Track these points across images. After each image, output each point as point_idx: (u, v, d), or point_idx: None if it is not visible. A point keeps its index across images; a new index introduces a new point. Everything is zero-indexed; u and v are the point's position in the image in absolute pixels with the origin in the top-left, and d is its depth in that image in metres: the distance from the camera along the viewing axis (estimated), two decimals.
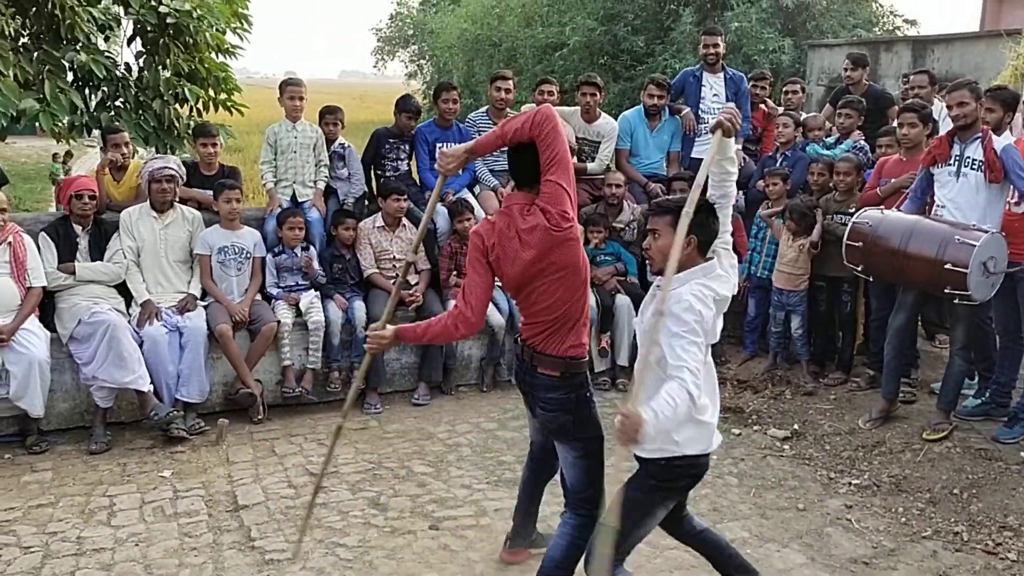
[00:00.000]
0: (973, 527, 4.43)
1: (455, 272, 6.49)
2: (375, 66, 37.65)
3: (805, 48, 16.43)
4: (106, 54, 7.99)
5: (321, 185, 6.56)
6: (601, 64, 18.16)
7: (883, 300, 5.96)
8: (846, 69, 7.52)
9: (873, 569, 4.10)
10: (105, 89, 8.02)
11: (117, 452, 5.33)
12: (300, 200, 6.50)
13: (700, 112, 7.35)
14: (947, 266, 4.86)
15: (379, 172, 6.88)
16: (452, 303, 6.42)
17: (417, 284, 6.40)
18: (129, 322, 5.56)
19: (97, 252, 5.76)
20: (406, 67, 34.24)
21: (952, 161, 5.16)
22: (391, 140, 6.82)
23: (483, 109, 7.23)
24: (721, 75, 7.39)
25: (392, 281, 6.35)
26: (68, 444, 5.43)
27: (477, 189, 6.99)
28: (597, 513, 3.46)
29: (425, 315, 6.25)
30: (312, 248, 6.30)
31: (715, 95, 7.35)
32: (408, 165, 6.97)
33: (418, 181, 6.96)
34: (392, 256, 6.42)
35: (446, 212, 6.60)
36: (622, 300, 6.56)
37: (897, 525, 4.50)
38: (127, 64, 8.34)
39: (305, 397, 5.99)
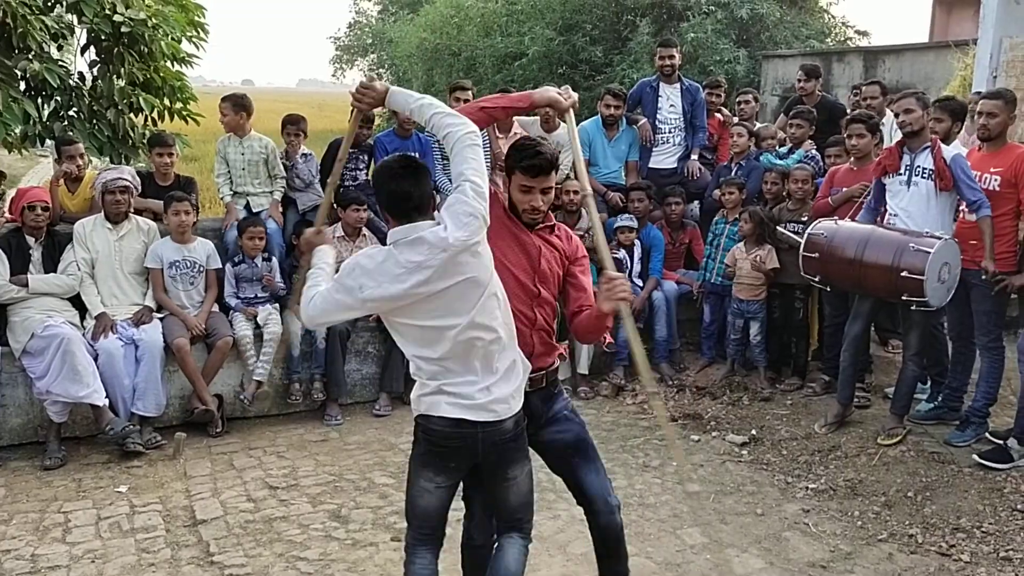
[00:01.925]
0: (927, 529, 4.50)
1: None
2: (334, 75, 37.39)
3: (760, 59, 16.66)
4: (59, 63, 7.85)
5: (277, 195, 6.52)
6: (560, 74, 18.23)
7: (837, 307, 6.06)
8: (799, 80, 7.64)
9: (831, 572, 4.16)
10: (58, 98, 7.89)
11: (72, 467, 5.24)
12: (255, 210, 6.46)
13: (657, 123, 7.42)
14: (903, 273, 4.96)
15: (337, 182, 6.83)
16: None
17: None
18: (84, 335, 5.47)
19: (51, 264, 5.66)
20: (364, 76, 34.13)
21: (903, 171, 5.27)
22: (350, 150, 6.77)
23: None
24: (677, 86, 7.47)
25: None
26: (21, 460, 5.33)
27: (438, 198, 6.97)
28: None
29: (385, 326, 6.22)
30: (273, 259, 6.25)
31: (671, 106, 7.43)
32: (367, 175, 6.95)
33: None
34: None
35: None
36: None
37: (853, 529, 4.57)
38: (81, 73, 8.22)
39: (246, 407, 5.96)
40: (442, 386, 2.99)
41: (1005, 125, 5.24)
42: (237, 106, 6.47)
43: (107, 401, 5.36)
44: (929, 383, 5.92)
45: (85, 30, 7.86)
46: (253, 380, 5.94)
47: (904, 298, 5.04)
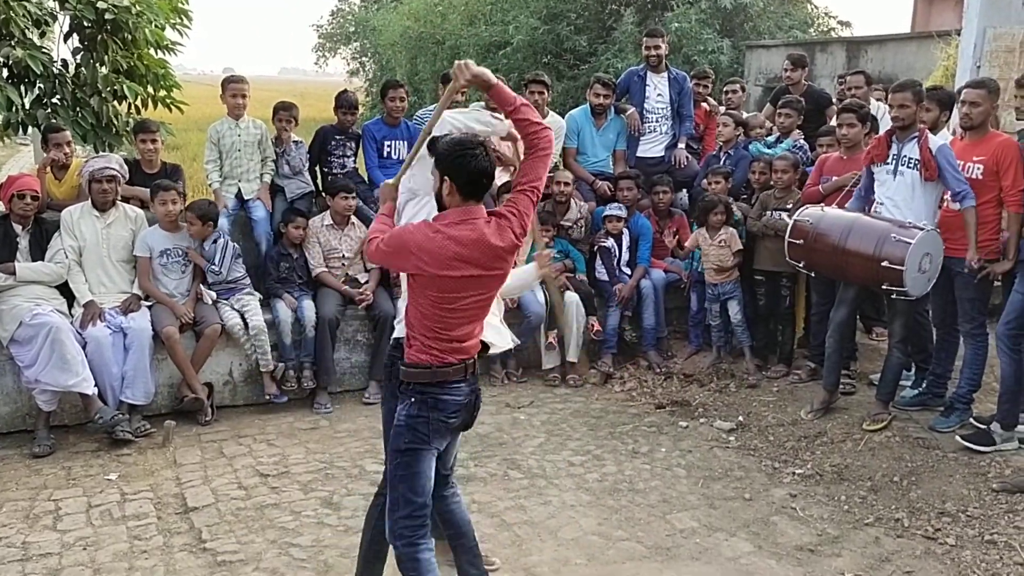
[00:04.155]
0: (913, 513, 4.57)
1: None
2: (316, 63, 37.13)
3: (743, 49, 16.71)
4: (42, 50, 7.77)
5: (267, 179, 6.53)
6: (544, 63, 18.23)
7: (823, 294, 6.10)
8: (786, 69, 7.68)
9: (818, 556, 4.22)
10: (41, 86, 7.81)
11: (61, 455, 5.23)
12: (246, 197, 6.45)
13: (645, 111, 7.43)
14: (883, 263, 5.01)
15: (325, 170, 6.84)
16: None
17: (367, 283, 6.37)
18: (72, 323, 5.45)
19: (38, 252, 5.62)
20: (348, 64, 33.83)
21: (890, 160, 5.31)
22: (337, 137, 6.79)
23: (432, 107, 7.21)
24: (665, 75, 7.49)
25: (343, 281, 6.32)
26: (10, 448, 5.31)
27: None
28: None
29: (375, 314, 6.25)
30: (222, 240, 6.04)
31: (659, 95, 7.45)
32: (355, 162, 6.94)
33: (366, 179, 6.93)
34: (341, 255, 6.38)
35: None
36: (570, 297, 6.58)
37: (840, 513, 4.63)
38: (64, 60, 8.14)
39: (276, 399, 5.98)
40: None
41: (987, 114, 5.29)
42: (239, 84, 6.55)
43: (96, 389, 5.35)
44: (914, 370, 5.99)
45: (68, 17, 7.78)
46: (264, 373, 5.96)
47: (884, 287, 5.10)
